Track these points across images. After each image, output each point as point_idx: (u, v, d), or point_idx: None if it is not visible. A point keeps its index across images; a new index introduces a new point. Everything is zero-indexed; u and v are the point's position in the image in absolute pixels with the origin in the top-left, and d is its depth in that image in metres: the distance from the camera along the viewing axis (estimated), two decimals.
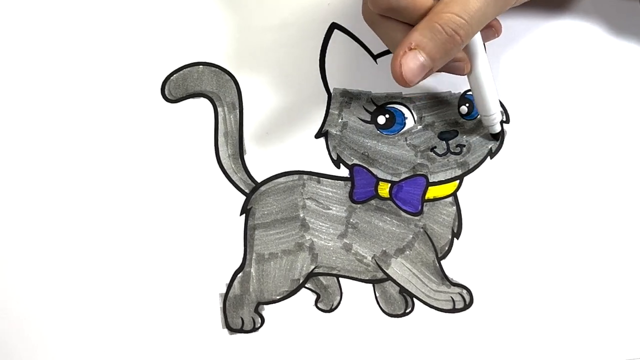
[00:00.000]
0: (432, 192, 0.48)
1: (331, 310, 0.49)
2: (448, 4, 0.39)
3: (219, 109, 0.49)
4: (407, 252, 0.49)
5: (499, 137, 0.48)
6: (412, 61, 0.39)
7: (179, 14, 0.49)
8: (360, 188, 0.49)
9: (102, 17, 0.49)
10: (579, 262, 0.49)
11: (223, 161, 0.49)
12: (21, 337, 0.48)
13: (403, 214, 0.49)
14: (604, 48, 0.49)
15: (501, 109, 0.47)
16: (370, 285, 0.49)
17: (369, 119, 0.48)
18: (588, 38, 0.49)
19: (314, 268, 0.49)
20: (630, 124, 0.49)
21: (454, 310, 0.49)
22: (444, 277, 0.49)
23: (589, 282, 0.49)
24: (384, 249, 0.49)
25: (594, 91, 0.49)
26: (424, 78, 0.41)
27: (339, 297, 0.49)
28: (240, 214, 0.49)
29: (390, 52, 0.49)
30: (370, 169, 0.48)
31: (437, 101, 0.48)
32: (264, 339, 0.49)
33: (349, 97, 0.49)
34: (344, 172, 0.49)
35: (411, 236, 0.49)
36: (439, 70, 0.42)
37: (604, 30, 0.49)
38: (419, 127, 0.48)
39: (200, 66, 0.49)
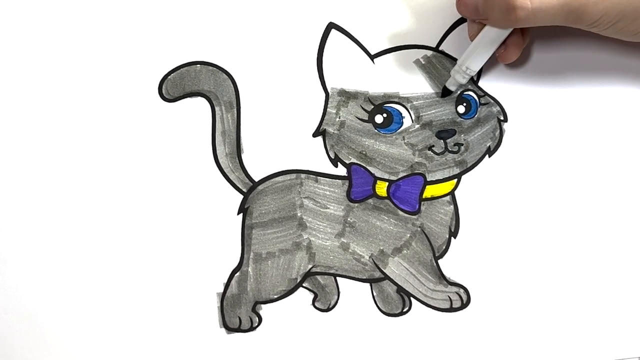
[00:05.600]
0: (430, 190, 0.49)
1: (329, 309, 0.49)
2: None
3: (217, 108, 0.49)
4: (405, 251, 0.49)
5: (447, 94, 0.48)
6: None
7: (176, 13, 0.49)
8: (358, 187, 0.49)
9: (100, 16, 0.49)
10: (577, 261, 0.49)
11: (220, 160, 0.49)
12: (21, 337, 0.48)
13: (401, 213, 0.49)
14: (603, 48, 0.49)
15: (495, 104, 0.49)
16: (367, 285, 0.49)
17: (366, 118, 0.48)
18: (586, 39, 0.49)
19: (312, 267, 0.49)
20: (628, 124, 0.49)
21: (451, 309, 0.49)
22: (441, 277, 0.49)
23: (586, 281, 0.49)
24: (381, 248, 0.49)
25: (591, 90, 0.49)
26: (471, 18, 0.45)
27: (336, 297, 0.49)
28: (238, 213, 0.49)
29: (388, 53, 0.49)
30: (368, 167, 0.48)
31: (434, 101, 0.48)
32: (262, 338, 0.49)
33: (346, 97, 0.49)
34: (341, 170, 0.49)
35: (408, 235, 0.49)
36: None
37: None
38: (417, 126, 0.48)
39: (198, 65, 0.49)
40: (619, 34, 0.43)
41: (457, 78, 0.47)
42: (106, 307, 0.48)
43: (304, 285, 0.49)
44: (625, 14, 0.41)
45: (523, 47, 0.46)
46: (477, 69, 0.46)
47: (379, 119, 0.48)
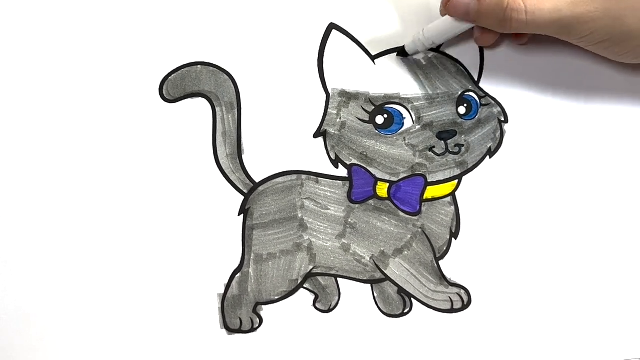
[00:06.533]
0: (431, 191, 0.49)
1: (329, 310, 0.49)
2: None
3: (217, 109, 0.49)
4: (405, 252, 0.49)
5: (404, 55, 0.49)
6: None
7: (177, 14, 0.49)
8: (359, 188, 0.49)
9: (100, 17, 0.49)
10: (578, 262, 0.49)
11: (221, 161, 0.49)
12: (21, 337, 0.48)
13: (401, 214, 0.49)
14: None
15: (496, 105, 0.49)
16: (368, 286, 0.49)
17: (367, 119, 0.48)
18: None
19: (313, 268, 0.49)
20: (628, 125, 0.49)
21: (452, 310, 0.49)
22: (442, 278, 0.49)
23: (587, 282, 0.49)
24: (382, 249, 0.49)
25: (591, 92, 0.49)
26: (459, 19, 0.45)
27: (337, 298, 0.49)
28: (239, 214, 0.49)
29: (388, 54, 0.49)
30: (369, 168, 0.48)
31: (435, 102, 0.48)
32: (263, 339, 0.49)
33: (347, 97, 0.49)
34: (342, 172, 0.49)
35: (409, 236, 0.49)
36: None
37: None
38: (418, 127, 0.48)
39: (199, 66, 0.49)
40: (604, 52, 0.45)
41: (418, 45, 0.47)
42: (106, 308, 0.48)
43: (304, 286, 0.49)
44: (612, 35, 0.43)
45: (499, 35, 0.47)
46: (440, 43, 0.48)
47: (379, 119, 0.48)
